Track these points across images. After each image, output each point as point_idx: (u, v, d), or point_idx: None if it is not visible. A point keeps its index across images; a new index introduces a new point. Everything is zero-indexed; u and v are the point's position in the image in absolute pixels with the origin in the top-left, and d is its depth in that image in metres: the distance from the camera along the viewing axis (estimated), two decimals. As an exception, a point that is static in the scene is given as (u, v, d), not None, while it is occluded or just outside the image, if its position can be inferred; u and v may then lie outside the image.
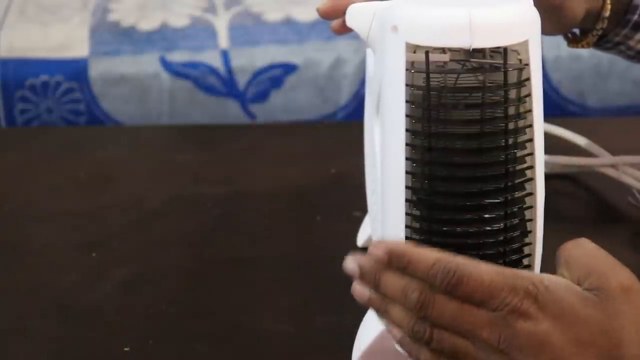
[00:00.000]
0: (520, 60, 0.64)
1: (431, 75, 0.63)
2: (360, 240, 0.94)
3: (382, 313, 0.63)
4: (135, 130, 1.39)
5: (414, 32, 0.62)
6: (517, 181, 0.65)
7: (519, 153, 0.65)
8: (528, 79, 0.64)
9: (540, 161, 0.65)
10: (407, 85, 0.63)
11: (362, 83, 1.60)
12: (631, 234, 0.97)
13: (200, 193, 1.06)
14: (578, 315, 0.59)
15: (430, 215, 0.64)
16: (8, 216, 1.04)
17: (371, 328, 0.71)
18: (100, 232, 1.00)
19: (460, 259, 0.60)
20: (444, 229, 0.63)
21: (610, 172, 1.02)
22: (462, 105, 0.63)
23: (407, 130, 0.63)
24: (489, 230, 0.64)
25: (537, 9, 0.64)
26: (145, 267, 0.94)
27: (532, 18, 0.63)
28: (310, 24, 1.69)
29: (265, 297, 0.89)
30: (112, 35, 1.68)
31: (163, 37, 1.67)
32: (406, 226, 0.64)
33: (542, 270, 0.67)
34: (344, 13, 0.71)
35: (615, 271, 0.60)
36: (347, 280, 0.90)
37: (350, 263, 0.64)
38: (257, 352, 0.82)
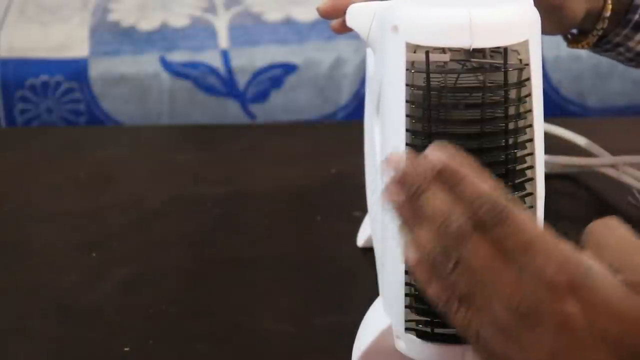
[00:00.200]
0: (520, 60, 0.64)
1: (431, 75, 0.63)
2: (360, 240, 0.94)
3: (407, 228, 0.59)
4: (135, 130, 1.39)
5: (414, 32, 0.62)
6: (517, 181, 0.65)
7: (519, 153, 0.65)
8: (528, 79, 0.64)
9: (540, 161, 0.65)
10: (407, 85, 0.63)
11: (362, 83, 1.60)
12: (631, 234, 0.97)
13: (200, 193, 1.06)
14: (612, 309, 0.56)
15: (430, 215, 0.63)
16: (8, 216, 1.04)
17: (371, 328, 0.71)
18: (100, 232, 1.00)
19: (512, 202, 0.57)
20: (444, 229, 0.63)
21: (610, 172, 1.02)
22: (462, 105, 0.63)
23: (407, 130, 0.63)
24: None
25: (537, 9, 0.64)
26: (145, 267, 0.94)
27: (532, 18, 0.63)
28: (310, 24, 1.69)
29: (265, 297, 0.89)
30: (112, 35, 1.68)
31: (163, 37, 1.68)
32: (406, 226, 0.64)
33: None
34: (344, 13, 0.71)
35: None
36: (347, 280, 0.91)
37: (397, 160, 0.59)
38: (257, 352, 0.82)
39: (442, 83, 0.63)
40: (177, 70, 1.64)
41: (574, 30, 0.88)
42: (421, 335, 0.67)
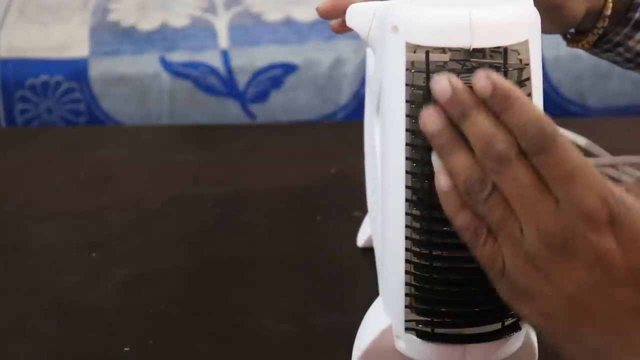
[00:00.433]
0: (520, 60, 0.64)
1: (431, 75, 0.62)
2: (360, 240, 0.94)
3: (445, 151, 0.58)
4: (135, 130, 1.39)
5: (414, 32, 0.62)
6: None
7: (519, 153, 0.65)
8: (528, 79, 0.63)
9: (540, 161, 0.65)
10: (407, 85, 0.63)
11: (362, 83, 1.60)
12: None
13: (200, 193, 1.06)
14: None
15: (430, 215, 0.63)
16: (8, 216, 1.04)
17: (371, 328, 0.71)
18: (100, 232, 1.00)
19: (558, 131, 0.56)
20: (444, 229, 0.63)
21: (611, 172, 1.02)
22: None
23: (407, 130, 0.63)
24: (489, 230, 0.64)
25: (537, 8, 0.64)
26: (145, 267, 0.94)
27: (532, 18, 0.63)
28: (310, 24, 1.69)
29: (265, 297, 0.89)
30: (112, 35, 1.68)
31: (163, 37, 1.68)
32: (406, 226, 0.64)
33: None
34: (344, 13, 0.71)
35: None
36: (347, 280, 0.91)
37: (444, 81, 0.58)
38: (257, 352, 0.82)
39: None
40: (177, 70, 1.64)
41: (571, 30, 0.88)
42: (421, 335, 0.67)
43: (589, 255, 0.56)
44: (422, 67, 0.62)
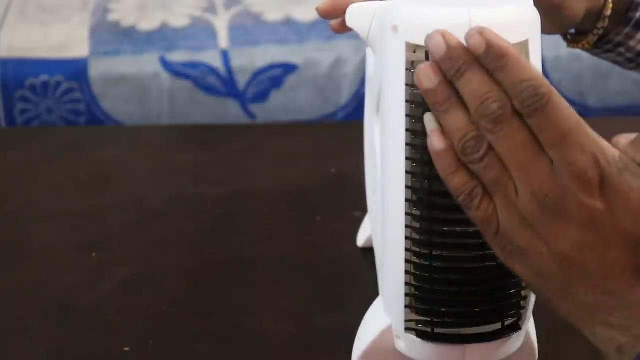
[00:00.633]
0: (520, 60, 0.64)
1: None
2: (361, 240, 0.94)
3: (441, 109, 0.58)
4: (135, 130, 1.39)
5: (414, 32, 0.62)
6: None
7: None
8: (528, 79, 0.63)
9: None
10: (407, 85, 0.63)
11: (362, 83, 1.60)
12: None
13: (200, 193, 1.06)
14: (638, 212, 0.56)
15: (430, 215, 0.63)
16: (8, 216, 1.04)
17: (371, 328, 0.71)
18: (100, 232, 1.00)
19: (553, 90, 0.56)
20: (444, 229, 0.63)
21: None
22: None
23: (407, 130, 0.63)
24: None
25: (537, 9, 0.64)
26: (145, 267, 0.94)
27: (532, 18, 0.63)
28: (310, 24, 1.69)
29: (265, 297, 0.89)
30: (112, 35, 1.68)
31: (163, 37, 1.68)
32: (406, 226, 0.64)
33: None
34: (344, 13, 0.71)
35: None
36: (347, 280, 0.91)
37: (438, 37, 0.57)
38: (257, 352, 0.82)
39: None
40: (177, 70, 1.64)
41: (571, 30, 0.88)
42: (421, 335, 0.67)
43: (581, 215, 0.56)
44: (422, 67, 0.62)
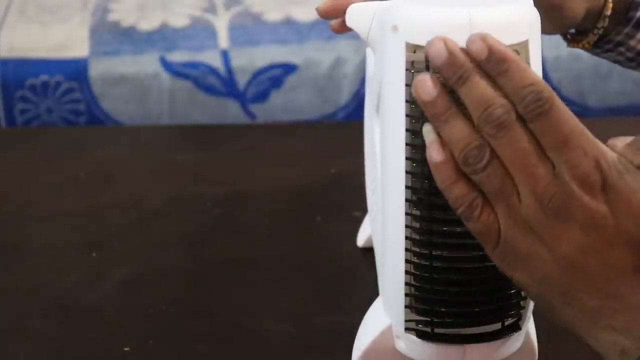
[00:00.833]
0: (520, 60, 0.64)
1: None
2: (361, 240, 0.94)
3: (441, 120, 0.57)
4: (135, 130, 1.39)
5: (414, 32, 0.62)
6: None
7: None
8: (528, 79, 0.63)
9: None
10: (407, 85, 0.63)
11: (362, 83, 1.60)
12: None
13: (200, 193, 1.06)
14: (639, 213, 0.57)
15: (430, 215, 0.63)
16: (8, 216, 1.04)
17: (371, 328, 0.71)
18: (100, 232, 1.00)
19: (554, 95, 0.56)
20: (444, 229, 0.63)
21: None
22: (462, 105, 0.63)
23: (407, 130, 0.63)
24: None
25: (537, 9, 0.64)
26: (145, 267, 0.94)
27: (532, 18, 0.63)
28: (310, 24, 1.69)
29: (265, 297, 0.89)
30: (112, 35, 1.68)
31: (163, 37, 1.68)
32: (406, 226, 0.64)
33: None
34: (344, 13, 0.71)
35: None
36: (347, 280, 0.91)
37: (439, 44, 0.57)
38: (257, 352, 0.82)
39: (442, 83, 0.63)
40: (177, 70, 1.64)
41: (571, 30, 0.88)
42: (421, 335, 0.67)
43: (584, 218, 0.57)
44: (422, 67, 0.62)
